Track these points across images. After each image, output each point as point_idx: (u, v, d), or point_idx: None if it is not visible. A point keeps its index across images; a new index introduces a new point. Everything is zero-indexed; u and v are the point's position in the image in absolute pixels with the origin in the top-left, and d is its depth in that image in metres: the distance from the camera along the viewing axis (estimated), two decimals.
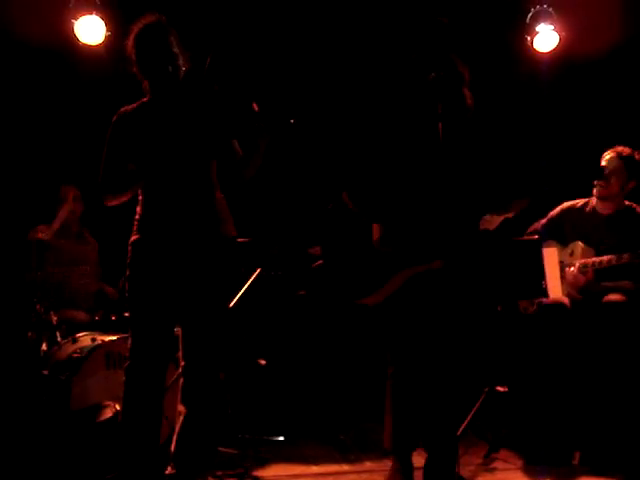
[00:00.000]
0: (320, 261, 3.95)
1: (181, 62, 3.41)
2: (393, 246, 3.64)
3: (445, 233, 3.59)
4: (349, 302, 3.84)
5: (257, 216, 5.35)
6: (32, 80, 5.40)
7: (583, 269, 4.27)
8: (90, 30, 5.18)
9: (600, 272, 4.25)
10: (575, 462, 4.03)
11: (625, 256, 4.13)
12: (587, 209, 4.48)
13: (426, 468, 3.73)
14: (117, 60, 5.05)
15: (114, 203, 3.50)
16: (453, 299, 3.64)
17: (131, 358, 3.39)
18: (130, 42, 3.40)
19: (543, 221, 4.57)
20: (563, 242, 4.45)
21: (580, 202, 4.53)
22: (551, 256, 4.32)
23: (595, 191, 4.43)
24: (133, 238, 3.43)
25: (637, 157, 4.37)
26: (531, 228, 4.59)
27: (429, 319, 3.66)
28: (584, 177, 4.51)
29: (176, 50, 3.39)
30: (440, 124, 3.51)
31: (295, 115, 3.37)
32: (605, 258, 4.21)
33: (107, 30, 5.19)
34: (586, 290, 4.28)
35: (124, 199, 3.49)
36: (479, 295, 3.89)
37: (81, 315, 4.74)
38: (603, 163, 4.40)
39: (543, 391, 4.26)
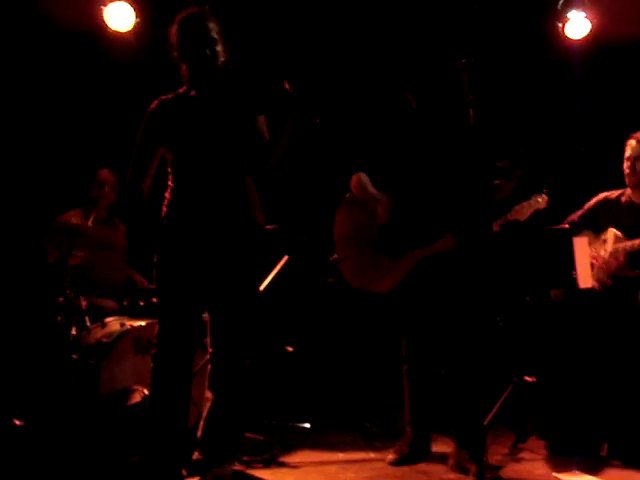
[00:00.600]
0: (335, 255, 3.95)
1: (220, 48, 3.45)
2: (402, 224, 3.63)
3: (456, 211, 3.56)
4: (363, 292, 3.84)
5: (285, 203, 5.35)
6: (62, 65, 5.44)
7: (615, 253, 4.22)
8: (119, 16, 5.19)
9: (633, 259, 4.19)
10: (603, 453, 4.01)
11: None
12: (623, 199, 4.43)
13: (452, 456, 3.75)
14: (146, 46, 5.15)
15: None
16: (465, 281, 3.61)
17: (158, 345, 3.41)
18: (174, 28, 3.47)
19: (580, 212, 4.53)
20: (599, 232, 4.40)
21: (616, 193, 4.47)
22: (581, 245, 4.26)
23: (626, 180, 4.38)
24: (162, 223, 3.45)
25: None
26: (567, 219, 4.55)
27: (442, 303, 3.65)
28: (618, 165, 4.46)
29: (215, 35, 3.45)
30: (471, 110, 3.49)
31: (321, 113, 3.39)
32: (636, 241, 4.15)
33: (136, 17, 5.20)
34: (617, 275, 4.23)
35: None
36: (493, 277, 3.83)
37: (110, 303, 4.75)
38: (627, 151, 4.36)
39: (571, 381, 4.23)
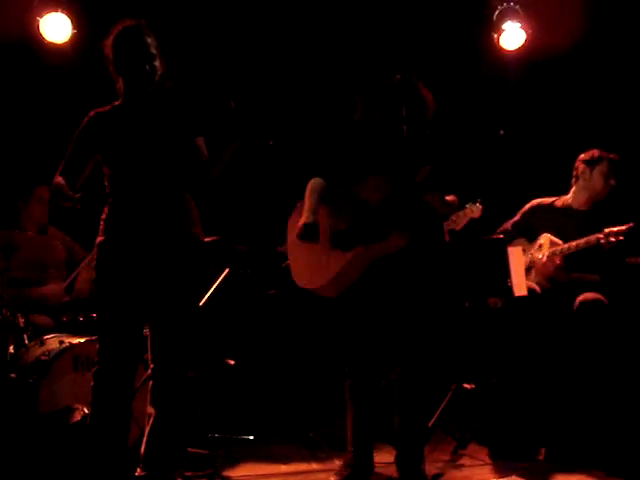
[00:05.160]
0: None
1: (158, 64, 3.46)
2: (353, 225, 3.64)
3: (405, 211, 3.56)
4: (313, 296, 3.83)
5: (226, 214, 5.34)
6: None
7: (552, 256, 4.31)
8: (55, 28, 5.15)
9: (570, 263, 4.28)
10: (541, 457, 4.10)
11: (592, 238, 4.14)
12: (559, 204, 4.53)
13: (397, 463, 3.73)
14: (83, 57, 5.11)
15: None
16: (417, 284, 3.61)
17: (99, 362, 3.37)
18: (109, 41, 3.45)
19: (513, 219, 4.63)
20: (533, 239, 4.50)
21: (549, 199, 4.57)
22: (516, 254, 4.36)
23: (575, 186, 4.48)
24: (99, 239, 3.42)
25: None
26: (501, 227, 4.65)
27: (394, 307, 3.63)
28: (550, 174, 4.56)
29: (154, 51, 3.45)
30: (405, 126, 3.54)
31: (274, 135, 3.40)
32: (573, 243, 4.24)
33: (73, 28, 5.16)
34: (555, 279, 4.32)
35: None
36: (444, 282, 3.86)
37: (44, 320, 4.64)
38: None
39: (509, 387, 4.32)
